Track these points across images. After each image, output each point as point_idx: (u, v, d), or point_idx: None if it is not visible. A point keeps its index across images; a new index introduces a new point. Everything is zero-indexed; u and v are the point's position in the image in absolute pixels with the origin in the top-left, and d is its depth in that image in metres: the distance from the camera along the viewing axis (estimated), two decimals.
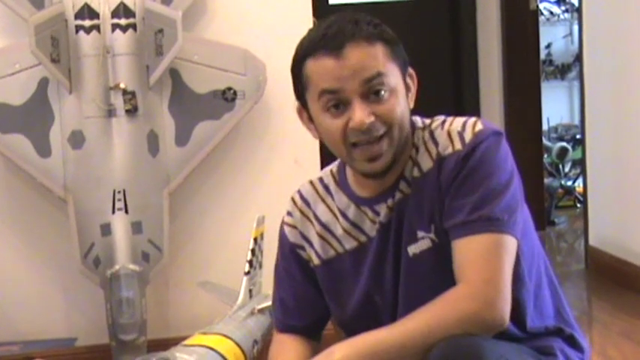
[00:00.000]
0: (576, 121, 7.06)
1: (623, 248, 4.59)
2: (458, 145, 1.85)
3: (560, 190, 6.84)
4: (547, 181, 6.58)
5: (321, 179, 2.05)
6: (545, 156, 6.66)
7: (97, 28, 3.23)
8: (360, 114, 1.80)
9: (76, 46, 3.22)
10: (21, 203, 3.54)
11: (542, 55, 6.90)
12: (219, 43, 3.49)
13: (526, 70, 6.06)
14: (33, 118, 3.30)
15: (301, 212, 2.04)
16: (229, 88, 3.41)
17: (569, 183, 6.91)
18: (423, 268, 1.87)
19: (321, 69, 1.82)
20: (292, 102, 3.54)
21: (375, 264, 1.93)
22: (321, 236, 2.01)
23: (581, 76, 5.14)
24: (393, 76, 1.84)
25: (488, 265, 1.78)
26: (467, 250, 1.80)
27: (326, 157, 3.62)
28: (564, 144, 6.93)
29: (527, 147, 6.02)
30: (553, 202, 6.61)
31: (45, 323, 3.56)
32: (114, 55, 3.24)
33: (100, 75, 3.23)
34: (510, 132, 5.97)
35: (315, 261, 2.02)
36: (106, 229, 3.24)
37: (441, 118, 1.94)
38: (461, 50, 6.20)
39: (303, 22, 3.58)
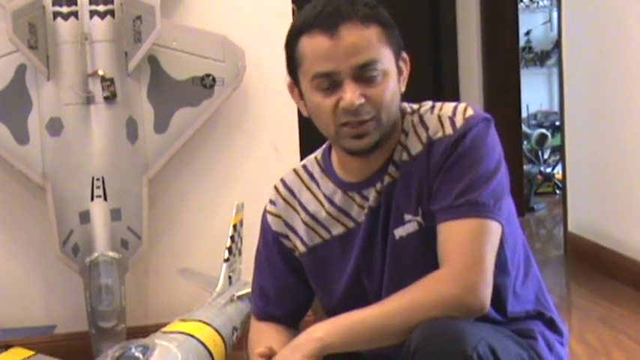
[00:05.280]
0: (555, 107, 7.10)
1: (601, 234, 4.61)
2: (449, 130, 1.86)
3: (539, 177, 6.87)
4: (526, 167, 6.61)
5: (304, 167, 2.05)
6: (525, 143, 6.69)
7: (75, 14, 3.21)
8: (351, 95, 1.80)
9: (53, 32, 3.21)
10: None
11: (522, 41, 6.93)
12: (197, 29, 3.47)
13: (505, 56, 6.08)
14: (11, 105, 3.28)
15: (285, 201, 2.04)
16: (208, 75, 3.40)
17: (549, 169, 6.94)
18: (408, 250, 1.88)
19: (316, 48, 1.82)
20: (271, 89, 3.56)
21: (364, 248, 1.93)
22: (306, 224, 2.00)
23: (560, 63, 5.16)
24: (386, 59, 1.84)
25: (472, 249, 1.79)
26: (451, 234, 1.81)
27: (305, 143, 3.63)
28: (543, 131, 6.96)
29: (506, 134, 5.95)
30: (532, 188, 6.63)
31: (24, 311, 3.54)
32: (92, 42, 3.22)
33: (78, 62, 3.21)
34: None
35: (301, 249, 2.02)
36: (85, 217, 3.23)
37: (429, 103, 1.95)
38: (440, 37, 6.21)
39: (282, 8, 3.58)
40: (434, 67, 6.23)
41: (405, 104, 1.95)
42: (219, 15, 3.56)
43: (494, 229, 1.82)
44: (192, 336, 2.84)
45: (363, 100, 1.81)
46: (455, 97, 6.11)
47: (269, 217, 2.06)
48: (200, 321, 2.95)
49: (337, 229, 1.97)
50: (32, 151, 3.27)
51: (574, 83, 4.92)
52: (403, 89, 1.91)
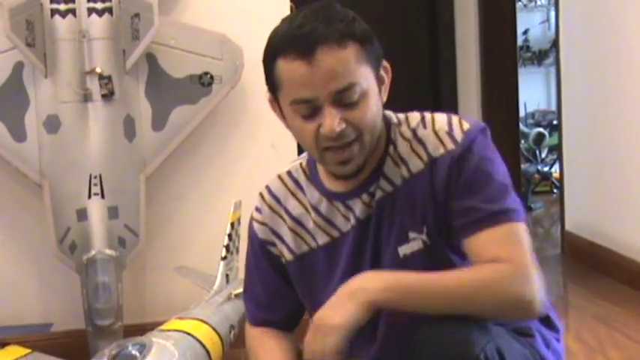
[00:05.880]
0: (553, 106, 7.09)
1: (598, 233, 4.61)
2: (450, 145, 1.85)
3: (536, 176, 6.87)
4: (524, 166, 6.61)
5: (289, 173, 2.03)
6: (522, 142, 6.69)
7: (73, 12, 3.21)
8: (330, 122, 1.78)
9: (51, 30, 3.20)
10: None
11: (520, 41, 6.92)
12: (196, 27, 3.47)
13: (503, 56, 6.07)
14: (8, 102, 3.27)
15: (270, 208, 2.03)
16: (206, 73, 3.40)
17: (546, 169, 6.94)
18: (412, 268, 1.85)
19: (293, 74, 1.79)
20: None
21: (352, 260, 1.93)
22: (293, 231, 2.00)
23: (557, 62, 5.16)
24: (365, 78, 1.81)
25: (522, 250, 1.80)
26: (491, 239, 1.80)
27: None
28: (541, 130, 6.96)
29: (504, 133, 6.03)
30: (530, 187, 6.64)
31: (20, 309, 3.54)
32: (90, 40, 3.22)
33: (76, 59, 3.21)
34: (487, 118, 5.99)
35: (288, 257, 2.01)
36: (82, 214, 3.23)
37: (416, 114, 1.94)
38: (438, 36, 6.20)
39: (280, 6, 3.57)
40: (431, 66, 6.22)
41: (390, 113, 1.95)
42: (218, 13, 3.56)
43: (526, 230, 1.83)
44: (189, 334, 2.83)
45: (343, 126, 1.79)
46: (453, 96, 6.10)
47: (255, 225, 2.06)
48: (197, 319, 2.95)
49: (323, 239, 1.97)
50: (29, 149, 3.27)
51: (571, 82, 4.92)
52: (385, 98, 1.89)
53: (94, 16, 3.22)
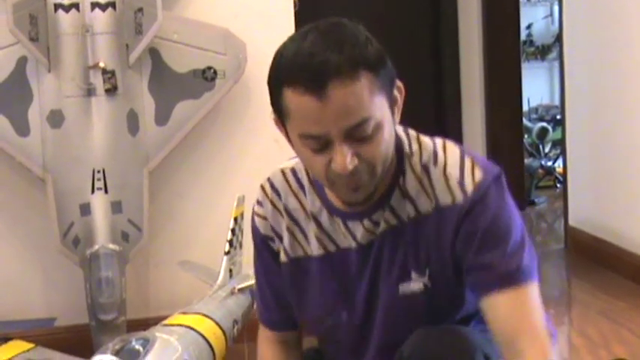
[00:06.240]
0: (556, 101, 7.09)
1: (602, 228, 4.61)
2: (459, 197, 1.77)
3: (540, 171, 6.86)
4: (527, 161, 6.60)
5: (294, 172, 1.94)
6: (526, 136, 6.68)
7: (77, 6, 3.20)
8: (342, 160, 1.68)
9: (54, 24, 3.20)
10: None
11: (523, 35, 6.91)
12: (199, 22, 3.47)
13: (506, 50, 6.07)
14: (11, 96, 3.27)
15: (272, 203, 1.95)
16: (209, 68, 3.40)
17: (549, 163, 6.94)
18: (411, 307, 1.83)
19: (302, 108, 1.67)
20: None
21: (346, 282, 1.88)
22: (290, 232, 1.93)
23: (561, 57, 5.15)
24: (379, 110, 1.69)
25: (538, 321, 1.77)
26: (509, 306, 1.76)
27: None
28: (544, 124, 6.95)
29: (507, 127, 6.03)
30: (533, 182, 6.63)
31: (24, 303, 3.55)
32: (93, 34, 3.22)
33: (79, 54, 3.21)
34: (491, 113, 5.99)
35: (283, 257, 1.95)
36: (86, 209, 3.23)
37: (428, 144, 1.84)
38: (441, 31, 6.20)
39: (284, 1, 3.57)
40: (434, 61, 6.22)
41: (402, 134, 1.85)
42: (221, 7, 3.56)
43: (538, 288, 1.80)
44: (192, 329, 2.83)
45: (356, 162, 1.69)
46: (456, 91, 6.10)
47: (257, 220, 1.99)
48: (201, 314, 2.95)
49: (319, 250, 1.90)
50: (33, 143, 3.27)
51: (575, 77, 4.91)
52: (398, 120, 1.79)
53: (97, 10, 3.21)
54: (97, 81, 3.22)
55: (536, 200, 6.43)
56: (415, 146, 1.84)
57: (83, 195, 3.23)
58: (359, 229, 1.84)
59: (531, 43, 7.59)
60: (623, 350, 3.35)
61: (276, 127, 1.82)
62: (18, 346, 3.17)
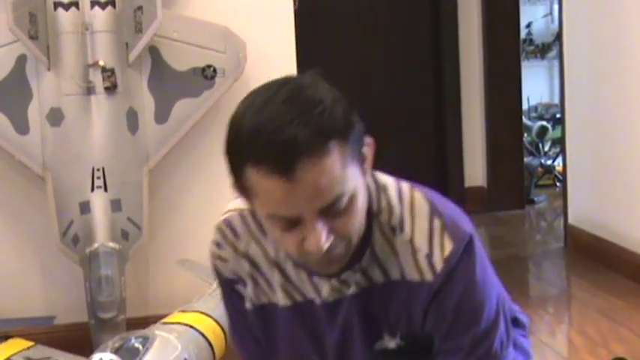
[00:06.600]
0: (556, 100, 7.08)
1: (601, 227, 4.61)
2: (428, 277, 1.65)
3: (539, 169, 6.86)
4: (527, 160, 6.60)
5: (254, 215, 1.74)
6: (525, 135, 6.68)
7: (76, 4, 3.21)
8: (316, 239, 1.55)
9: (54, 22, 3.20)
10: None
11: (523, 34, 6.91)
12: (199, 20, 3.47)
13: (506, 49, 6.07)
14: (11, 95, 3.27)
15: (233, 247, 1.82)
16: (209, 66, 3.40)
17: (549, 162, 6.93)
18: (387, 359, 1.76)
19: (270, 190, 1.51)
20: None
21: (318, 331, 1.78)
22: (253, 279, 1.80)
23: (560, 56, 5.15)
24: (352, 180, 1.55)
25: None
26: None
27: None
28: (544, 123, 6.95)
29: (507, 126, 6.03)
30: (533, 180, 6.63)
31: (23, 301, 3.54)
32: (93, 32, 3.22)
33: (79, 52, 3.21)
34: (491, 111, 5.99)
35: (247, 304, 1.83)
36: (85, 207, 3.23)
37: (394, 200, 1.69)
38: (441, 30, 6.19)
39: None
40: (434, 59, 6.21)
41: (370, 190, 1.68)
42: (221, 6, 3.56)
43: None
44: (192, 327, 2.84)
45: (331, 239, 1.56)
46: (456, 89, 6.09)
47: (217, 263, 1.86)
48: (200, 312, 2.95)
49: (285, 300, 1.77)
50: (32, 142, 3.27)
51: (575, 76, 4.91)
52: (369, 178, 1.65)
53: (96, 8, 3.21)
54: (97, 79, 3.22)
55: (535, 199, 6.42)
56: (383, 203, 1.70)
57: (83, 193, 3.23)
58: (325, 287, 1.72)
59: (531, 41, 7.59)
60: (622, 349, 3.35)
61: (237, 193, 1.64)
62: (17, 344, 3.18)
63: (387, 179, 1.73)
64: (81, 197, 3.23)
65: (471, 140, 6.05)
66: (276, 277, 1.77)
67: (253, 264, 1.79)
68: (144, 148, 3.36)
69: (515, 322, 1.97)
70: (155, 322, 2.92)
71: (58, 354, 3.16)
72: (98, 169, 3.23)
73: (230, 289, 1.85)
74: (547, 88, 7.59)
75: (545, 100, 7.40)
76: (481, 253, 1.70)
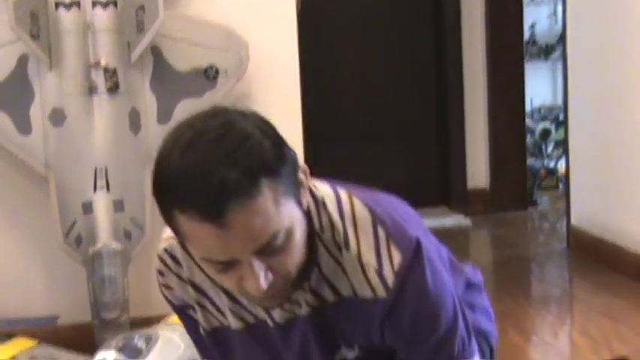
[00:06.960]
0: (559, 101, 7.07)
1: (604, 228, 4.60)
2: (381, 292, 1.62)
3: (542, 171, 6.86)
4: (530, 161, 6.60)
5: None
6: (528, 137, 6.67)
7: (78, 4, 3.20)
8: (255, 281, 1.50)
9: (56, 22, 3.20)
10: (1, 181, 3.52)
11: (526, 35, 6.90)
12: (201, 20, 3.47)
13: (510, 50, 6.07)
14: (13, 95, 3.27)
15: (176, 275, 1.77)
16: (211, 66, 3.39)
17: (552, 164, 6.93)
18: None
19: (201, 237, 1.46)
20: (275, 80, 3.55)
21: (274, 349, 1.75)
22: (201, 305, 1.77)
23: (564, 57, 5.14)
24: (288, 216, 1.50)
25: None
26: None
27: (308, 135, 3.62)
28: (547, 125, 6.95)
29: (510, 128, 6.03)
30: (535, 182, 6.63)
31: (26, 301, 3.55)
32: (94, 32, 3.21)
33: (81, 52, 3.21)
34: (493, 113, 5.99)
35: (200, 329, 1.81)
36: (88, 208, 3.23)
37: (336, 218, 1.65)
38: (444, 30, 6.19)
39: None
40: (437, 60, 6.21)
41: (310, 209, 1.63)
42: (223, 6, 3.56)
43: None
44: None
45: (270, 277, 1.51)
46: (459, 90, 6.09)
47: (165, 291, 1.83)
48: None
49: (236, 323, 1.75)
50: (34, 142, 3.27)
51: (578, 77, 4.91)
52: (305, 204, 1.58)
53: (98, 8, 3.21)
54: (99, 79, 3.22)
55: (538, 200, 6.42)
56: (324, 220, 1.65)
57: (85, 193, 3.23)
58: (275, 310, 1.69)
59: (534, 42, 7.57)
60: (624, 349, 3.35)
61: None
62: (21, 344, 3.18)
63: (324, 190, 1.68)
64: (83, 197, 3.24)
65: (473, 142, 6.05)
66: (224, 301, 1.73)
67: (199, 290, 1.75)
68: (146, 149, 3.35)
69: (470, 287, 1.95)
70: (158, 321, 2.92)
71: (61, 353, 3.17)
72: (101, 170, 3.24)
73: (184, 314, 1.83)
74: (550, 90, 7.57)
75: (549, 101, 7.38)
76: (430, 253, 1.66)
